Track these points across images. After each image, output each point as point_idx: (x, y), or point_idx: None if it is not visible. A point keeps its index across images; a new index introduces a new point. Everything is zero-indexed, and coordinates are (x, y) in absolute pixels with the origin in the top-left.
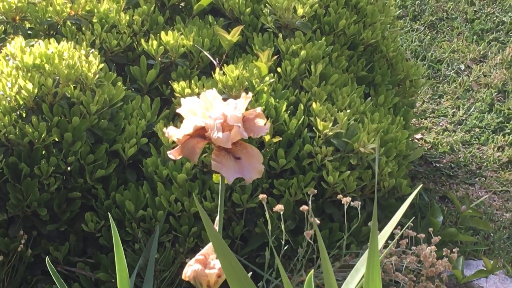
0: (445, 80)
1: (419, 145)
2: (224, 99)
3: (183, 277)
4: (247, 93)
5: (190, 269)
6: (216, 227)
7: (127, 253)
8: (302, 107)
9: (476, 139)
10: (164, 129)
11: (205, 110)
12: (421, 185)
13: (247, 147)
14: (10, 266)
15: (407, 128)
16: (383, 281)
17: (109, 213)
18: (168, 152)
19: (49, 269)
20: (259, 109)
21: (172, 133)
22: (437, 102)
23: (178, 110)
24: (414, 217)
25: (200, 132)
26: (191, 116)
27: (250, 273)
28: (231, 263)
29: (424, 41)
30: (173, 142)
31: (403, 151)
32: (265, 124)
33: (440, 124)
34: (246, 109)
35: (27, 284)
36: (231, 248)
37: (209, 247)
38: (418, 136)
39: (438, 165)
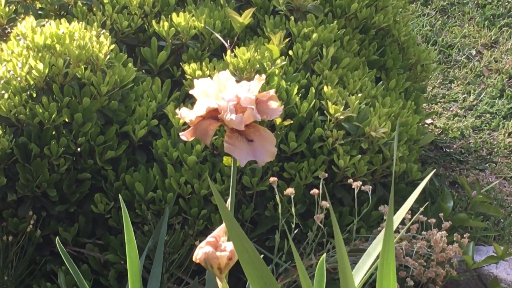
0: (456, 65)
1: (430, 130)
2: (236, 82)
3: (193, 259)
4: (260, 75)
5: (201, 251)
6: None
7: (136, 235)
8: (314, 91)
9: (487, 125)
10: (177, 110)
11: (218, 92)
12: (433, 171)
13: (260, 129)
14: (19, 246)
15: (418, 113)
16: None
17: (119, 194)
18: (180, 133)
19: (59, 249)
20: (272, 91)
21: (185, 114)
22: (448, 87)
23: (191, 92)
24: (424, 202)
25: (213, 114)
26: (204, 97)
27: (262, 256)
28: (245, 246)
29: (435, 26)
30: (184, 124)
31: (414, 136)
32: (278, 107)
33: (451, 109)
34: (259, 92)
35: (35, 264)
36: None
37: (220, 229)
38: (429, 121)
39: (448, 150)
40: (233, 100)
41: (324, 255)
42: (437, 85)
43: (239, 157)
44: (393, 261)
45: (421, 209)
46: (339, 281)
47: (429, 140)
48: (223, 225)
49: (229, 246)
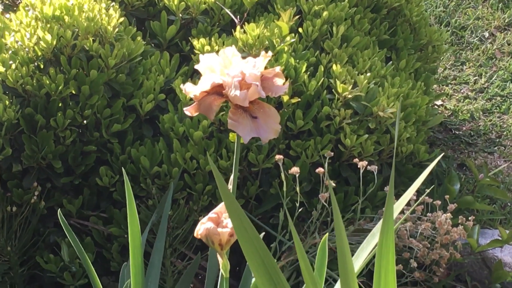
0: (468, 47)
1: (439, 111)
2: (244, 58)
3: (195, 234)
4: (267, 52)
5: (203, 227)
6: (230, 186)
7: (140, 209)
8: (322, 69)
9: (497, 108)
10: (182, 86)
11: (223, 68)
12: (442, 154)
13: (264, 106)
14: (23, 217)
15: (428, 94)
16: (397, 246)
17: (123, 168)
18: (184, 108)
19: (61, 222)
20: (278, 68)
21: (189, 89)
22: (459, 69)
23: (196, 67)
24: (431, 184)
25: (218, 90)
26: (209, 73)
27: (263, 233)
28: (243, 223)
29: (449, 7)
30: (191, 99)
31: (423, 117)
32: (284, 84)
33: (461, 91)
34: (265, 68)
35: (39, 236)
36: (245, 208)
37: (222, 206)
38: (439, 102)
39: (457, 132)
40: (238, 76)
41: (327, 234)
42: (449, 67)
43: (243, 133)
44: (393, 241)
45: (427, 190)
46: None
47: (438, 121)
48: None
49: (230, 222)
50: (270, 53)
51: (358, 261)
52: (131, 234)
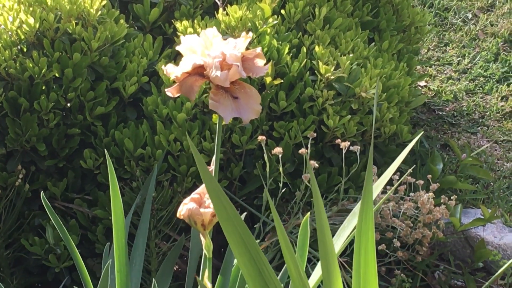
0: (452, 28)
1: (423, 92)
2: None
3: (178, 215)
4: (247, 33)
5: (185, 207)
6: (212, 167)
7: (124, 191)
8: (305, 50)
9: (480, 88)
10: (163, 67)
11: (204, 49)
12: (422, 132)
13: (245, 87)
14: (8, 200)
15: (411, 75)
16: (380, 226)
17: (106, 150)
18: (166, 90)
19: (44, 204)
20: (259, 49)
21: (171, 70)
22: (443, 50)
23: (177, 48)
24: (414, 164)
25: (199, 71)
26: (191, 54)
27: (245, 214)
28: (223, 203)
29: None
30: (174, 81)
31: (406, 98)
32: (264, 65)
33: (445, 72)
34: (247, 49)
35: (24, 219)
36: (229, 189)
37: (204, 186)
38: (422, 83)
39: (440, 113)
40: (219, 57)
41: (308, 213)
42: (432, 48)
43: (224, 114)
44: (372, 219)
45: (410, 170)
46: None
47: (421, 102)
48: None
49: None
50: (250, 34)
51: (340, 240)
52: (115, 216)
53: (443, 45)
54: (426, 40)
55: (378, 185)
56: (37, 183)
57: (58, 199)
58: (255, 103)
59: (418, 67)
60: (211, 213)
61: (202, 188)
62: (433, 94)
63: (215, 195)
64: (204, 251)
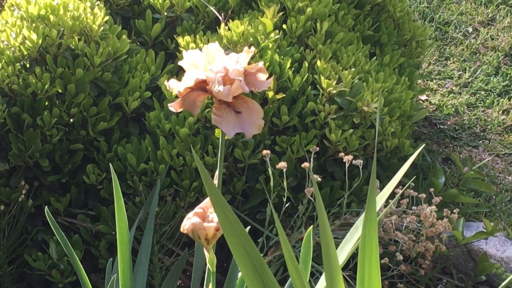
0: (452, 43)
1: (424, 106)
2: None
3: (181, 230)
4: (249, 48)
5: (189, 222)
6: (216, 181)
7: (128, 206)
8: (307, 65)
9: (481, 102)
10: (165, 82)
11: (207, 63)
12: (424, 145)
13: (248, 101)
14: (11, 216)
15: (412, 89)
16: (382, 240)
17: (110, 164)
18: (169, 105)
19: (48, 220)
20: (261, 64)
21: (173, 85)
22: (444, 64)
23: (180, 63)
24: (415, 178)
25: (201, 85)
26: (193, 69)
27: (248, 227)
28: (228, 216)
29: (433, 2)
30: (176, 96)
31: (407, 112)
32: (267, 79)
33: (446, 86)
34: (249, 64)
35: (27, 234)
36: (231, 204)
37: (208, 201)
38: (423, 97)
39: (442, 126)
40: (221, 72)
41: (311, 227)
42: (433, 62)
43: (226, 129)
44: (376, 232)
45: (408, 182)
46: None
47: (423, 116)
48: None
49: (216, 217)
50: (253, 48)
51: (343, 254)
52: (119, 231)
53: (444, 59)
54: (427, 54)
55: (379, 199)
56: (40, 199)
57: (61, 215)
58: (257, 117)
59: (419, 81)
60: (215, 227)
61: (205, 203)
62: (434, 108)
63: (219, 208)
64: (208, 265)
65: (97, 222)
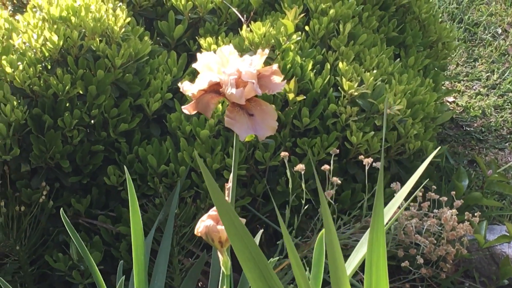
0: (481, 44)
1: (451, 108)
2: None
3: (195, 232)
4: (263, 50)
5: (202, 224)
6: (230, 184)
7: (148, 208)
8: (329, 67)
9: (509, 104)
10: (179, 84)
11: (220, 66)
12: (441, 147)
13: (261, 104)
14: (32, 216)
15: (437, 91)
16: (403, 243)
17: (125, 167)
18: (182, 107)
19: (64, 222)
20: (275, 66)
21: (187, 88)
22: (472, 65)
23: (194, 65)
24: (440, 181)
25: (215, 88)
26: (207, 71)
27: (261, 231)
28: (233, 221)
29: (462, 3)
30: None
31: (431, 114)
32: (288, 81)
33: (474, 87)
34: (263, 66)
35: (48, 235)
36: (252, 206)
37: None
38: (451, 99)
39: (468, 128)
40: (234, 74)
41: (323, 231)
42: (461, 63)
43: (239, 131)
44: (383, 236)
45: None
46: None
47: (447, 118)
48: (226, 198)
49: None
50: (267, 51)
51: (358, 256)
52: (134, 233)
53: (472, 60)
54: (455, 55)
55: (397, 200)
56: (61, 200)
57: (82, 216)
58: (271, 119)
59: (447, 82)
60: None
61: None
62: (461, 110)
63: (223, 211)
64: (222, 268)
65: (117, 223)
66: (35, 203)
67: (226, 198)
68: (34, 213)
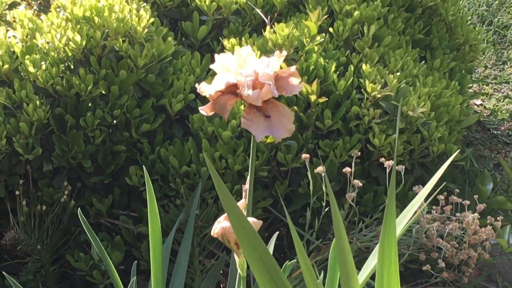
0: (510, 46)
1: (478, 111)
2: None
3: (212, 233)
4: (280, 51)
5: (219, 226)
6: (247, 186)
7: (169, 209)
8: (352, 68)
9: None
10: (196, 85)
11: (238, 67)
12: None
13: (278, 105)
14: (54, 215)
15: (463, 94)
16: (425, 246)
17: (144, 168)
18: (199, 108)
19: (81, 220)
20: (293, 68)
21: (204, 89)
22: (501, 68)
23: (211, 66)
24: (464, 184)
25: (232, 89)
26: (224, 72)
27: (276, 233)
28: (242, 223)
29: (492, 6)
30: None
31: (456, 117)
32: (300, 83)
33: (502, 90)
34: (281, 67)
35: (70, 235)
36: (274, 208)
37: (239, 204)
38: (478, 102)
39: (495, 132)
40: (251, 76)
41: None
42: (490, 66)
43: (255, 132)
44: (395, 241)
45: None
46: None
47: (473, 121)
48: (242, 200)
49: None
50: (284, 52)
51: (375, 260)
52: (152, 234)
53: (501, 63)
54: (484, 58)
55: (416, 202)
56: (83, 200)
57: (104, 216)
58: (287, 121)
59: (475, 85)
60: None
61: None
62: (488, 113)
63: (232, 213)
64: (238, 270)
65: (139, 223)
66: (57, 203)
67: (244, 199)
68: (56, 213)
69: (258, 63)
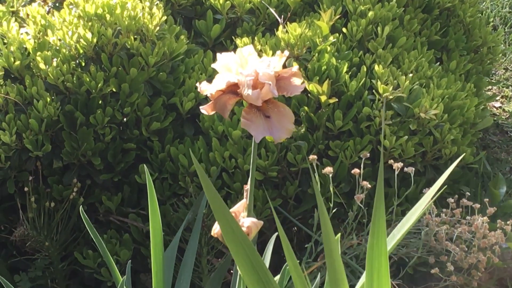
0: None
1: (497, 113)
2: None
3: (212, 233)
4: (282, 52)
5: (218, 226)
6: (248, 187)
7: (178, 207)
8: (365, 69)
9: None
10: (197, 84)
11: (239, 67)
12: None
13: (279, 106)
14: (64, 212)
15: (479, 96)
16: (434, 249)
17: (145, 167)
18: (200, 107)
19: (83, 218)
20: (295, 68)
21: (205, 88)
22: None
23: (213, 65)
24: (476, 187)
25: (233, 89)
26: (226, 71)
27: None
28: (230, 224)
29: None
30: None
31: (471, 119)
32: (302, 84)
33: None
34: (283, 67)
35: (79, 231)
36: (284, 208)
37: (240, 205)
38: (497, 104)
39: None
40: (251, 75)
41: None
42: (510, 68)
43: (255, 132)
44: (385, 242)
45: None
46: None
47: (488, 123)
48: (243, 200)
49: (246, 221)
50: (286, 52)
51: None
52: (153, 233)
53: None
54: (505, 60)
55: (422, 203)
56: (93, 197)
57: (113, 213)
58: (288, 122)
59: (494, 88)
60: (245, 231)
61: (237, 207)
62: (507, 116)
63: (220, 213)
64: (238, 270)
65: (148, 221)
66: (66, 200)
67: (245, 200)
68: (65, 210)
69: (260, 62)
